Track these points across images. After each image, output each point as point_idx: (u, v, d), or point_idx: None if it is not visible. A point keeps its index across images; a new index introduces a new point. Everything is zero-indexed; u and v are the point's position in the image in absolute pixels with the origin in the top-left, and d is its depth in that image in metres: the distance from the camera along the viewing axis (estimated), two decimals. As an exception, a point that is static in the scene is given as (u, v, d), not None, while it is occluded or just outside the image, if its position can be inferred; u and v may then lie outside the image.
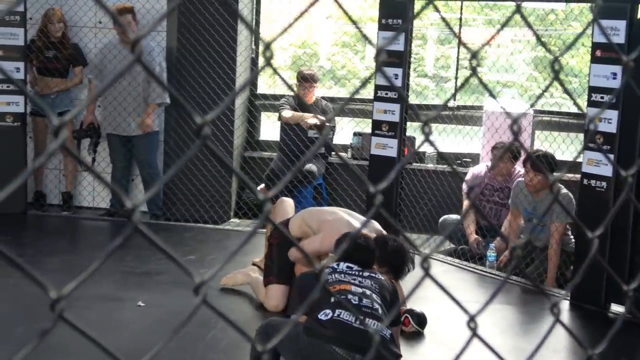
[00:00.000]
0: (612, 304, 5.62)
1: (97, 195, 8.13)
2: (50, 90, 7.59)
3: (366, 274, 3.92)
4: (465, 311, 1.23)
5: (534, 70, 10.57)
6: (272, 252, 5.28)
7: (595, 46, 5.58)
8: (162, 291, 5.47)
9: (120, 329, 4.78)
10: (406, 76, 6.80)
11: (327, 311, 3.63)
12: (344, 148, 8.25)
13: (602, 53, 5.52)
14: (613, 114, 5.41)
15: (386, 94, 6.83)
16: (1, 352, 4.10)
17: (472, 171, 7.20)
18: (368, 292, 3.78)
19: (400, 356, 3.74)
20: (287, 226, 5.25)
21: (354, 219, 5.18)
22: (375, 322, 3.64)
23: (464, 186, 7.16)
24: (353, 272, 3.90)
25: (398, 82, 6.77)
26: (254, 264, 5.78)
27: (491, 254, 6.59)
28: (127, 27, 1.95)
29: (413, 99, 9.14)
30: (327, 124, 7.78)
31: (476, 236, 6.91)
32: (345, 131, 8.48)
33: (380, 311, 3.71)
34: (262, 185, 7.82)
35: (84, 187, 8.09)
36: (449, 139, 7.98)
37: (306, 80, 7.70)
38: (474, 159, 7.83)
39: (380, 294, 3.82)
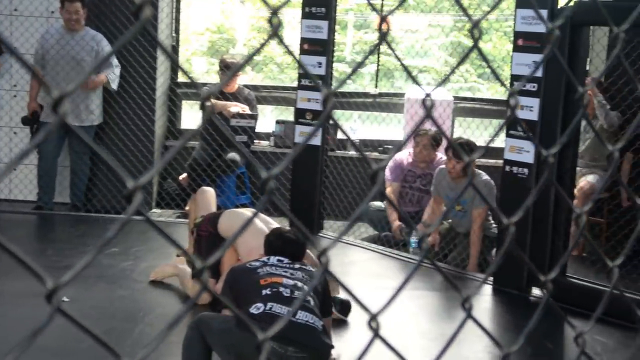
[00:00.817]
0: (533, 287, 5.74)
1: (14, 187, 7.93)
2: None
3: (297, 266, 3.92)
4: (367, 310, 1.17)
5: (449, 56, 10.69)
6: (200, 245, 5.22)
7: (517, 35, 5.67)
8: (86, 286, 5.36)
9: (17, 325, 4.65)
10: (330, 64, 6.80)
11: (259, 305, 3.62)
12: (267, 136, 8.23)
13: (524, 42, 5.62)
14: (534, 102, 5.52)
15: (310, 82, 6.82)
16: None
17: (394, 158, 7.26)
18: (300, 283, 3.78)
19: (332, 347, 3.75)
20: (215, 221, 5.20)
21: (267, 225, 5.18)
22: (307, 313, 3.64)
23: (386, 173, 7.21)
24: (284, 265, 3.90)
25: (322, 71, 6.78)
26: (178, 256, 5.72)
27: (413, 240, 6.66)
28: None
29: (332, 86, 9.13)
30: (250, 112, 7.75)
31: (399, 222, 6.97)
32: (267, 119, 8.45)
33: (312, 303, 3.72)
34: (184, 175, 7.74)
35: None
36: (372, 126, 8.04)
37: (228, 68, 7.64)
38: (396, 146, 7.90)
39: (313, 288, 3.82)
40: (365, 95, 8.31)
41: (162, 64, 7.74)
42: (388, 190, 7.14)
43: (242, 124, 7.74)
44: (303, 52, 6.84)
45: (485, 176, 6.36)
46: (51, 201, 7.73)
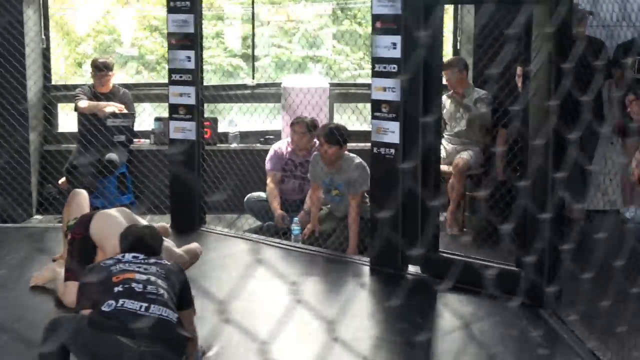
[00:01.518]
0: (408, 265, 5.83)
1: None
2: None
3: (152, 260, 3.90)
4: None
5: (338, 43, 10.75)
6: (73, 247, 5.14)
7: (375, 18, 5.73)
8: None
9: None
10: (199, 58, 6.76)
11: (111, 302, 3.58)
12: (146, 134, 8.14)
13: (382, 24, 5.69)
14: (396, 83, 5.60)
15: (180, 77, 6.78)
16: None
17: (273, 148, 7.28)
18: (153, 278, 3.76)
19: (189, 338, 3.74)
20: (87, 223, 5.13)
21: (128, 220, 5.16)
22: (161, 307, 3.63)
23: (267, 164, 7.22)
24: (139, 261, 3.87)
25: (191, 65, 6.74)
26: (54, 260, 5.63)
27: (295, 227, 6.69)
28: None
29: (225, 80, 9.12)
30: (127, 111, 7.67)
31: (281, 211, 6.99)
32: (145, 117, 8.36)
33: (166, 296, 3.70)
34: (63, 179, 7.61)
35: None
36: (252, 118, 8.03)
37: (100, 69, 7.54)
38: (277, 135, 7.91)
39: (166, 279, 3.81)
40: (244, 87, 8.30)
41: (31, 68, 7.59)
42: (269, 180, 7.15)
43: (119, 124, 7.65)
44: (171, 46, 6.79)
45: (357, 159, 6.43)
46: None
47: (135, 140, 7.95)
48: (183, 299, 3.90)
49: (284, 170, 7.21)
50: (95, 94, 7.68)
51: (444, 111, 7.31)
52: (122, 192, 7.85)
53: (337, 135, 6.36)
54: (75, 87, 7.91)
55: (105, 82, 7.60)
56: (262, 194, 7.23)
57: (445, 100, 7.29)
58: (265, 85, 8.30)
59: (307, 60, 9.90)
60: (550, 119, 4.82)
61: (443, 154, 7.27)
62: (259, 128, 8.07)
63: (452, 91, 7.24)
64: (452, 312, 5.18)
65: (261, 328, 4.36)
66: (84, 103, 7.55)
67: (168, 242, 5.16)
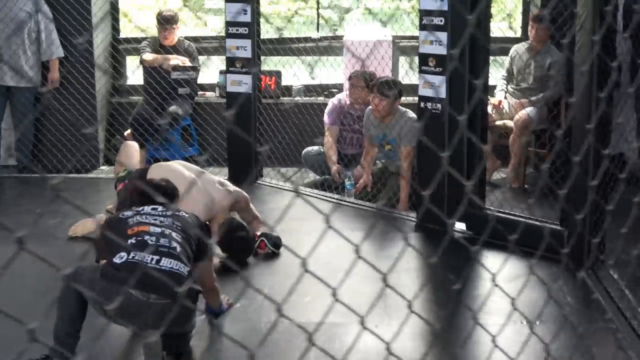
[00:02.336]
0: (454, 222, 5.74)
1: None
2: None
3: (169, 213, 3.94)
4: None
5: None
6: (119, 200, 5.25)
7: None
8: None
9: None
10: (255, 11, 6.76)
11: (122, 254, 3.64)
12: (212, 87, 8.21)
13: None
14: (443, 36, 5.47)
15: (237, 30, 6.79)
16: None
17: (332, 101, 7.25)
18: (167, 231, 3.80)
19: (199, 291, 3.78)
20: (144, 176, 5.21)
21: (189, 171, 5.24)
22: (172, 260, 3.67)
23: (325, 117, 7.20)
24: (156, 213, 3.92)
25: (247, 17, 6.75)
26: (107, 211, 5.76)
27: (348, 182, 6.67)
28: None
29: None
30: (191, 64, 7.73)
31: (337, 165, 6.98)
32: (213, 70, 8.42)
33: (178, 249, 3.74)
34: (129, 131, 7.76)
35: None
36: (319, 71, 7.98)
37: (166, 21, 7.61)
38: (340, 89, 7.86)
39: (182, 232, 3.84)
40: (307, 40, 8.26)
41: (95, 15, 7.70)
42: (327, 133, 7.14)
43: (184, 77, 7.73)
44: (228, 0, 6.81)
45: (410, 113, 6.34)
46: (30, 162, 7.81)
47: (200, 92, 8.03)
48: (200, 251, 3.94)
49: (342, 123, 7.18)
50: (160, 47, 7.77)
51: (514, 62, 7.12)
52: (190, 144, 7.97)
53: (389, 88, 6.28)
54: (143, 39, 8.01)
55: (169, 35, 7.66)
56: (321, 148, 7.23)
57: (519, 51, 7.09)
58: (327, 38, 8.23)
59: (399, 12, 9.70)
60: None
61: (506, 108, 7.12)
62: (323, 81, 8.03)
63: (528, 44, 7.02)
64: (490, 269, 5.08)
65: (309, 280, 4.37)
66: (148, 56, 7.66)
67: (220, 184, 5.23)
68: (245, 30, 6.74)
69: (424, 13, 5.60)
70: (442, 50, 5.51)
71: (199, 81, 7.92)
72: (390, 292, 2.08)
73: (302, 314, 4.24)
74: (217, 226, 5.08)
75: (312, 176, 7.36)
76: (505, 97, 7.17)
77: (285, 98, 7.98)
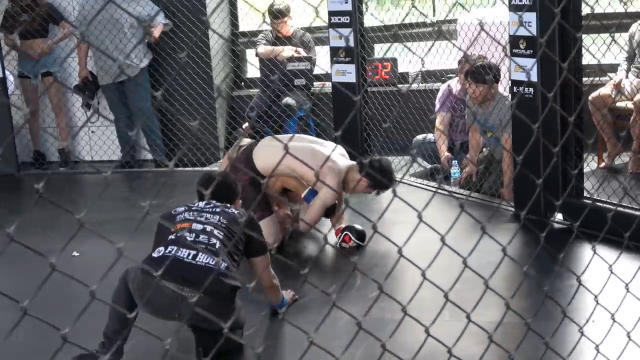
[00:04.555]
0: (554, 212, 5.46)
1: (98, 149, 8.34)
2: (34, 52, 7.82)
3: (219, 209, 3.95)
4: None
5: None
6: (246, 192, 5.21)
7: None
8: (100, 242, 5.56)
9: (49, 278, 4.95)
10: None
11: (161, 248, 3.71)
12: (327, 77, 8.17)
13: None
14: (532, 17, 5.19)
15: (339, 19, 6.72)
16: None
17: (442, 87, 7.04)
18: (209, 228, 3.82)
19: (237, 287, 3.76)
20: (249, 159, 5.26)
21: (318, 145, 5.27)
22: (209, 256, 3.69)
23: (436, 104, 7.02)
24: (205, 209, 3.94)
25: (348, 6, 6.66)
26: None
27: (455, 170, 6.47)
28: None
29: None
30: (307, 55, 7.73)
31: (447, 153, 6.78)
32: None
33: (217, 246, 3.75)
34: (246, 124, 7.86)
35: (78, 142, 8.34)
36: (437, 56, 7.77)
37: (276, 15, 7.64)
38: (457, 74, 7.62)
39: (226, 229, 3.85)
40: (424, 25, 8.05)
41: (218, 15, 7.85)
42: (438, 120, 6.94)
43: (299, 67, 7.74)
44: (329, -11, 6.75)
45: (510, 99, 6.06)
46: (134, 159, 8.11)
47: (317, 83, 8.01)
48: (251, 248, 3.94)
49: (454, 110, 6.96)
50: (276, 39, 7.81)
51: (634, 40, 6.68)
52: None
53: (485, 73, 6.02)
54: (260, 32, 8.09)
55: (282, 28, 7.69)
56: (430, 136, 7.04)
57: (637, 29, 6.66)
58: (445, 21, 7.99)
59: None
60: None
61: (628, 88, 6.68)
62: (441, 67, 7.80)
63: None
64: (586, 261, 4.79)
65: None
66: (262, 48, 7.72)
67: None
68: (347, 19, 6.66)
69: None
70: (532, 32, 5.22)
71: (316, 72, 7.90)
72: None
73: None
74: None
75: (423, 165, 7.18)
76: (627, 77, 6.72)
77: (400, 85, 7.83)
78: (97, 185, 7.78)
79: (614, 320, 2.83)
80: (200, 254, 3.69)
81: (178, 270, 3.61)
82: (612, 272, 2.74)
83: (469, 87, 6.16)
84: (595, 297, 2.77)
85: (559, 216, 5.47)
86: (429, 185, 6.51)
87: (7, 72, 7.82)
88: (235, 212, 4.00)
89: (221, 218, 3.90)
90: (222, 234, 3.82)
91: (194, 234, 3.78)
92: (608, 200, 5.21)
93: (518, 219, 5.58)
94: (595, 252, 2.77)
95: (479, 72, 6.03)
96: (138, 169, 8.03)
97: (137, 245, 4.26)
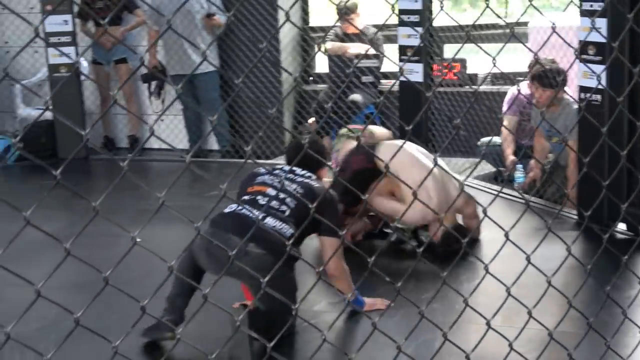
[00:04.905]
0: (616, 221, 5.36)
1: (166, 137, 8.47)
2: (109, 39, 7.97)
3: (299, 179, 3.99)
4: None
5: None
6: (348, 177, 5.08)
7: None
8: (164, 228, 5.62)
9: (108, 262, 5.04)
10: (427, -2, 6.64)
11: (233, 205, 3.81)
12: (395, 75, 8.16)
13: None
14: (602, 22, 5.10)
15: (408, 17, 6.70)
16: None
17: (511, 90, 6.97)
18: (282, 195, 3.88)
19: (296, 258, 3.71)
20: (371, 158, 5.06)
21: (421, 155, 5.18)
22: (277, 221, 3.76)
23: (504, 106, 6.94)
24: (287, 176, 3.98)
25: (418, 5, 6.64)
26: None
27: (519, 175, 6.40)
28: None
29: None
30: (375, 52, 7.72)
31: (513, 157, 6.70)
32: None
33: (287, 213, 3.81)
34: (312, 119, 7.89)
35: (146, 129, 8.48)
36: (508, 58, 7.72)
37: (344, 12, 7.65)
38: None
39: (299, 200, 3.86)
40: (494, 27, 7.98)
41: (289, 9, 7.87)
42: (505, 123, 6.87)
43: (367, 65, 7.74)
44: (399, -13, 6.74)
45: (576, 105, 5.96)
46: (200, 148, 8.21)
47: (385, 81, 8.00)
48: (322, 227, 3.88)
49: (522, 114, 6.88)
50: (345, 35, 7.83)
51: None
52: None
53: (551, 78, 5.93)
54: (330, 28, 8.11)
55: (350, 25, 7.69)
56: (496, 139, 6.97)
57: None
58: (517, 24, 7.90)
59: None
60: None
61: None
62: (512, 69, 7.73)
63: None
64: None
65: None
66: (330, 44, 7.75)
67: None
68: (417, 18, 6.64)
69: (584, -3, 5.24)
70: (601, 38, 5.12)
71: (384, 69, 7.90)
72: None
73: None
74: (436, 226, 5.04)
75: (489, 167, 7.12)
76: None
77: (468, 87, 7.78)
78: (163, 172, 7.90)
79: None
80: (269, 217, 3.76)
81: (243, 226, 3.67)
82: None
83: (535, 90, 6.08)
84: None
85: (622, 226, 5.38)
86: (491, 189, 6.44)
87: (80, 59, 7.99)
88: (315, 185, 4.02)
89: (298, 187, 3.94)
90: (294, 202, 3.86)
91: (267, 198, 3.85)
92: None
93: (580, 226, 5.49)
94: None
95: (545, 76, 5.95)
96: (204, 158, 8.13)
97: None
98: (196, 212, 5.82)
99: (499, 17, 2.44)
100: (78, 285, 4.36)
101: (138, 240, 5.31)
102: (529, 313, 2.25)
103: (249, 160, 7.60)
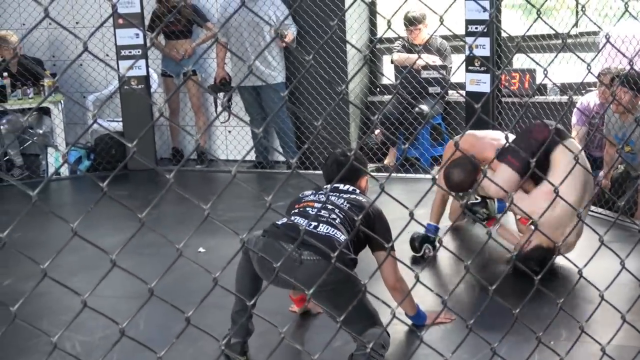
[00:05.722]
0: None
1: (233, 148, 8.56)
2: (178, 53, 8.10)
3: (345, 195, 4.00)
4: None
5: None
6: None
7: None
8: (225, 238, 5.65)
9: (173, 272, 5.10)
10: (494, 8, 6.58)
11: (284, 219, 3.82)
12: (461, 86, 8.11)
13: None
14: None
15: (475, 28, 6.66)
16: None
17: (580, 101, 6.87)
18: (330, 206, 3.89)
19: (354, 260, 3.74)
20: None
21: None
22: (330, 227, 3.75)
23: (573, 117, 6.85)
24: (330, 195, 3.99)
25: (485, 15, 6.59)
26: None
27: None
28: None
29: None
30: (442, 62, 7.69)
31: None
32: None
33: (337, 220, 3.80)
34: (378, 131, 7.88)
35: (214, 141, 8.58)
36: (574, 67, 7.58)
37: (410, 23, 7.64)
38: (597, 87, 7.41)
39: (347, 212, 3.87)
40: (564, 36, 7.84)
41: (355, 21, 7.91)
42: (574, 134, 6.77)
43: (434, 76, 7.72)
44: (467, -3, 6.71)
45: (650, 114, 5.84)
46: (267, 160, 8.26)
47: (452, 91, 7.96)
48: (372, 241, 3.90)
49: (591, 124, 6.77)
50: (411, 46, 7.82)
51: None
52: (440, 143, 7.93)
53: (634, 81, 5.82)
54: (397, 39, 8.10)
55: (416, 35, 7.68)
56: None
57: None
58: (588, 33, 7.78)
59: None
60: None
61: None
62: (580, 80, 7.59)
63: None
64: None
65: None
66: (397, 55, 7.74)
67: None
68: (484, 28, 6.59)
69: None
70: (675, 46, 5.02)
71: (453, 80, 7.85)
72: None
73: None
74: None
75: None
76: None
77: (540, 97, 7.68)
78: (231, 184, 7.93)
79: None
80: (321, 224, 3.77)
81: (296, 234, 3.69)
82: None
83: (619, 90, 5.91)
84: None
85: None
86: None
87: (150, 70, 8.13)
88: (362, 199, 4.02)
89: (344, 202, 3.94)
90: (342, 214, 3.86)
91: (316, 209, 3.89)
92: None
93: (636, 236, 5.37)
94: None
95: (632, 76, 5.81)
96: (270, 170, 8.18)
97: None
98: (258, 223, 5.91)
99: (553, 29, 2.40)
100: (129, 296, 4.45)
101: (202, 250, 5.40)
102: (581, 327, 2.21)
103: (311, 171, 7.70)
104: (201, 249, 5.52)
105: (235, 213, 6.31)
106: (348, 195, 4.02)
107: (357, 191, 4.09)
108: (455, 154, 3.10)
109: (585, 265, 2.25)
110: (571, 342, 2.36)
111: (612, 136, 6.15)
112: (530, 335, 2.17)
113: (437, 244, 5.05)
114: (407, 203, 1.86)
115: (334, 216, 3.83)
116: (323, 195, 3.98)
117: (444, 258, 5.42)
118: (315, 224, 3.77)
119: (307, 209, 3.91)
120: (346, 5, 7.81)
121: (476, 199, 5.50)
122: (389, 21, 1.79)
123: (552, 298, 2.24)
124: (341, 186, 4.08)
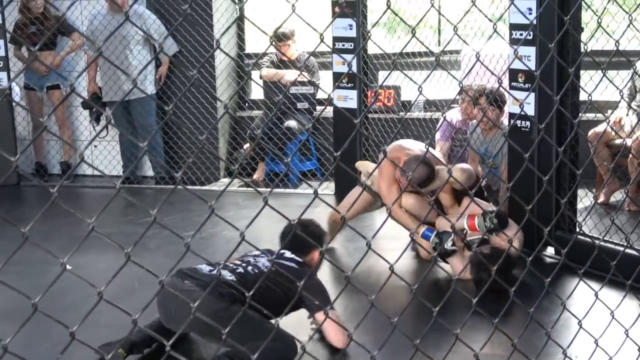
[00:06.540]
0: (543, 246, 5.49)
1: (99, 163, 8.39)
2: (41, 65, 7.89)
3: (280, 260, 3.96)
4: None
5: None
6: None
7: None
8: (97, 254, 5.57)
9: (38, 290, 4.96)
10: (360, 26, 6.72)
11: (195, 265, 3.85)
12: (330, 101, 8.23)
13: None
14: (531, 51, 5.23)
15: (343, 45, 6.78)
16: None
17: (443, 117, 7.09)
18: (251, 263, 3.91)
19: (244, 295, 3.65)
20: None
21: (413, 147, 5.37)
22: (232, 275, 3.75)
23: (437, 133, 7.05)
24: (258, 255, 3.98)
25: (352, 33, 6.72)
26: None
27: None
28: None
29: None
30: (310, 78, 7.79)
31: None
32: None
33: (238, 271, 3.80)
34: (247, 145, 7.91)
35: (79, 155, 8.40)
36: (437, 86, 7.82)
37: (279, 39, 7.71)
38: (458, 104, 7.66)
39: (261, 270, 3.84)
40: (427, 54, 8.10)
41: (219, 32, 7.90)
42: (437, 149, 6.97)
43: (302, 91, 7.80)
44: (335, 14, 6.81)
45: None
46: (135, 174, 8.14)
47: (319, 107, 8.06)
48: (307, 303, 3.84)
49: (454, 140, 6.99)
50: (280, 62, 7.88)
51: (636, 77, 6.71)
52: (308, 158, 8.02)
53: (499, 99, 6.08)
54: (265, 54, 8.15)
55: (285, 51, 7.76)
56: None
57: (640, 66, 6.70)
58: (450, 52, 8.04)
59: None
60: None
61: (627, 127, 6.71)
62: (445, 97, 7.85)
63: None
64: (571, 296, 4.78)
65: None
66: (267, 71, 7.79)
67: None
68: (351, 46, 6.71)
69: (512, 27, 5.38)
70: (530, 66, 5.26)
71: (319, 96, 7.96)
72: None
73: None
74: None
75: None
76: (627, 114, 6.75)
77: (402, 113, 7.88)
78: (96, 199, 7.81)
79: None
80: (224, 271, 3.77)
81: (193, 273, 3.74)
82: (610, 311, 2.75)
83: (487, 108, 6.16)
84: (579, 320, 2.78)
85: (551, 251, 5.49)
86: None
87: (12, 84, 7.89)
88: (295, 267, 3.94)
89: (271, 265, 3.89)
90: (255, 270, 3.84)
91: (236, 266, 3.88)
92: (597, 236, 5.22)
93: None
94: (581, 279, 2.78)
95: (500, 95, 6.09)
96: (138, 185, 8.07)
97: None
98: (127, 239, 5.84)
99: (423, 44, 2.49)
100: (6, 313, 4.32)
101: (68, 267, 5.28)
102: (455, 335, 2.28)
103: (180, 187, 7.63)
104: (68, 266, 5.38)
105: (102, 229, 6.16)
106: (283, 261, 3.95)
107: (300, 262, 4.01)
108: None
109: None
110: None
111: (474, 151, 6.37)
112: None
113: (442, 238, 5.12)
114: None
115: (240, 270, 3.82)
116: (250, 256, 3.99)
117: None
118: (211, 268, 3.78)
119: (230, 264, 3.88)
120: (215, 21, 7.81)
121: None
122: (321, 35, 1.81)
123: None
124: (287, 253, 4.02)
